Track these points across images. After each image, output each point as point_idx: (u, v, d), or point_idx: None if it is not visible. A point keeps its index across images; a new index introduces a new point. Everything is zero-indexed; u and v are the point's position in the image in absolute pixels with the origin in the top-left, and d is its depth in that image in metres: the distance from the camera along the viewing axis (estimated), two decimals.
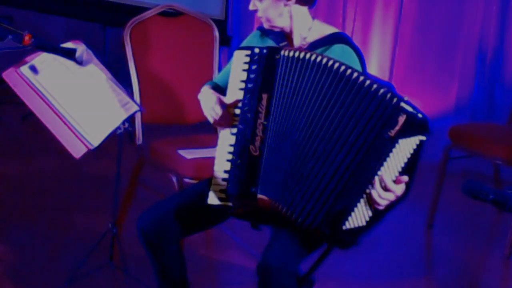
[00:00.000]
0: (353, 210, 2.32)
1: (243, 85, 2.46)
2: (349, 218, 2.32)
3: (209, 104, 2.55)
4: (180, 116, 3.63)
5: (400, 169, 2.30)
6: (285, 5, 2.58)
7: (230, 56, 4.52)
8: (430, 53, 5.43)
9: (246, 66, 2.46)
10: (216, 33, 3.71)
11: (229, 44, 5.57)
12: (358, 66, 2.52)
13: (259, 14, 2.63)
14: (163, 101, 3.60)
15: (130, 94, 3.14)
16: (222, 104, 2.51)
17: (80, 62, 2.81)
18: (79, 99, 2.92)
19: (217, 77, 2.85)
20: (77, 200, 4.26)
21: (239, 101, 2.47)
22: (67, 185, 4.45)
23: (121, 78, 3.10)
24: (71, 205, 4.18)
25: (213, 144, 2.58)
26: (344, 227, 2.33)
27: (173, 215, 2.61)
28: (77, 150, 2.85)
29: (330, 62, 2.35)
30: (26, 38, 2.68)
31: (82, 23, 6.00)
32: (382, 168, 2.28)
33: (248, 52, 2.47)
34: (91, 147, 2.85)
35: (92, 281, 3.27)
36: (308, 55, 2.39)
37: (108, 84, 2.98)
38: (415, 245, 4.14)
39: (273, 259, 2.38)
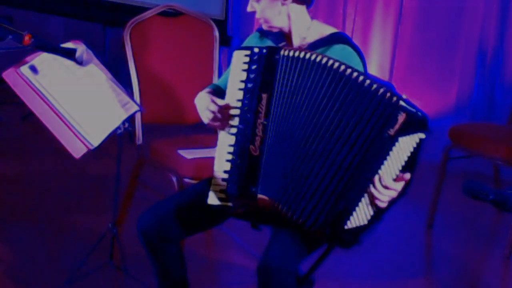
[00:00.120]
0: (354, 210, 2.32)
1: (242, 85, 2.46)
2: (351, 217, 2.33)
3: (202, 106, 2.55)
4: (180, 116, 3.63)
5: (400, 167, 2.31)
6: (282, 4, 2.58)
7: (230, 56, 4.52)
8: (430, 53, 5.43)
9: (246, 66, 2.46)
10: (216, 33, 3.71)
11: (229, 44, 5.57)
12: (359, 66, 2.52)
13: (257, 15, 2.63)
14: (163, 101, 3.60)
15: (130, 94, 3.14)
16: (215, 105, 2.51)
17: (80, 62, 2.81)
18: (79, 99, 2.92)
19: (219, 79, 2.85)
20: (77, 200, 4.26)
21: (236, 100, 2.46)
22: (67, 185, 4.45)
23: (121, 78, 3.10)
24: (71, 205, 4.18)
25: (213, 144, 2.58)
26: (346, 227, 2.33)
27: (173, 215, 2.61)
28: (77, 150, 2.85)
29: (330, 62, 2.35)
30: (26, 38, 2.68)
31: (82, 23, 5.99)
32: (382, 167, 2.29)
33: (248, 52, 2.47)
34: (91, 147, 2.85)
35: (92, 281, 3.27)
36: (307, 55, 2.39)
37: (108, 84, 2.98)
38: (415, 245, 4.14)
39: (273, 259, 2.38)
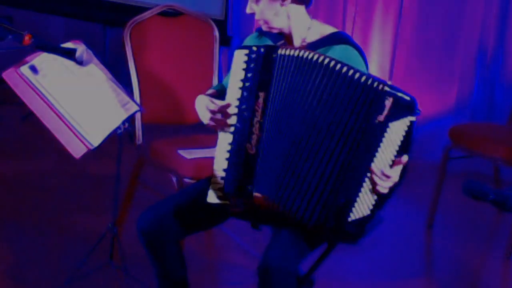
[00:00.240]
0: (355, 201, 2.34)
1: (241, 84, 2.47)
2: (353, 209, 2.34)
3: (201, 107, 2.55)
4: (180, 116, 3.63)
5: (395, 152, 2.32)
6: (281, 5, 2.58)
7: (230, 56, 4.52)
8: (430, 53, 5.43)
9: (245, 65, 2.47)
10: (216, 33, 3.71)
11: (229, 44, 5.57)
12: (361, 66, 2.53)
13: (256, 16, 2.63)
14: (163, 101, 3.60)
15: (130, 94, 3.14)
16: (215, 104, 2.51)
17: (80, 62, 2.81)
18: (79, 99, 2.92)
19: (224, 79, 2.86)
20: (77, 200, 4.26)
21: (232, 101, 2.46)
22: (67, 185, 4.45)
23: (121, 78, 3.10)
24: (71, 205, 4.18)
25: (213, 144, 2.58)
26: (349, 219, 2.34)
27: (173, 215, 2.61)
28: (77, 150, 2.85)
29: (324, 59, 2.37)
30: (26, 38, 2.68)
31: (82, 23, 5.99)
32: (377, 154, 2.31)
33: (247, 51, 2.48)
34: (91, 147, 2.85)
35: (92, 281, 3.27)
36: (302, 53, 2.40)
37: (108, 84, 2.98)
38: (415, 245, 4.14)
39: (273, 259, 2.38)
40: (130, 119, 2.99)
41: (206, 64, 3.68)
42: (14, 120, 5.48)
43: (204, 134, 3.57)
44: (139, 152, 3.51)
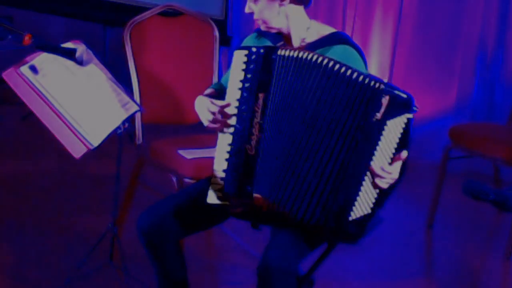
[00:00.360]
0: (356, 200, 2.34)
1: (241, 85, 2.47)
2: (353, 208, 2.34)
3: (202, 108, 2.55)
4: (180, 116, 3.63)
5: (394, 150, 2.33)
6: (280, 5, 2.58)
7: (230, 56, 4.52)
8: (430, 53, 5.43)
9: (244, 66, 2.47)
10: (216, 33, 3.71)
11: (229, 44, 5.57)
12: (360, 65, 2.53)
13: (255, 16, 2.63)
14: (163, 101, 3.60)
15: (130, 94, 3.14)
16: (215, 105, 2.51)
17: (80, 62, 2.81)
18: (79, 99, 2.92)
19: (223, 78, 2.86)
20: (77, 200, 4.26)
21: (232, 101, 2.46)
22: (67, 185, 4.45)
23: (121, 78, 3.10)
24: (71, 205, 4.18)
25: (213, 144, 2.58)
26: (350, 218, 2.34)
27: (173, 215, 2.61)
28: (77, 150, 2.85)
29: (322, 60, 2.37)
30: (26, 38, 2.68)
31: (82, 23, 5.99)
32: (376, 152, 2.31)
33: (246, 52, 2.48)
34: (91, 147, 2.85)
35: (92, 281, 3.27)
36: (301, 54, 2.40)
37: (108, 84, 2.98)
38: (415, 245, 4.14)
39: (273, 259, 2.38)
40: (130, 119, 2.99)
41: (206, 64, 3.68)
42: (14, 120, 5.48)
43: (204, 134, 3.57)
44: (139, 152, 3.51)
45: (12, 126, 5.45)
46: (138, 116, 3.46)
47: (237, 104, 2.46)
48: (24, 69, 2.89)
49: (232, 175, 2.47)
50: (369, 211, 2.36)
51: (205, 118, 2.53)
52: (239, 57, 2.49)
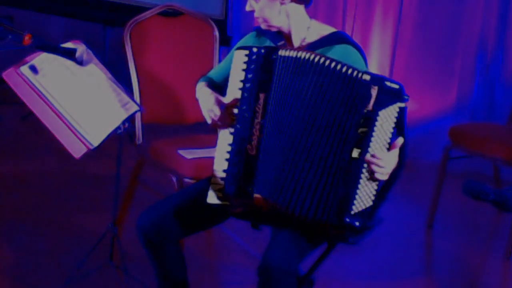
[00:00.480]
0: (356, 193, 2.34)
1: (242, 85, 2.47)
2: (355, 201, 2.34)
3: (207, 105, 2.56)
4: (180, 116, 3.63)
5: (388, 140, 2.34)
6: (281, 3, 2.58)
7: None
8: (430, 53, 5.43)
9: (245, 66, 2.47)
10: (216, 33, 3.71)
11: (229, 44, 5.56)
12: (362, 65, 2.54)
13: (256, 14, 2.63)
14: (163, 101, 3.60)
15: (130, 94, 3.14)
16: (220, 104, 2.51)
17: (80, 62, 2.81)
18: (79, 99, 2.92)
19: (211, 71, 2.85)
20: (77, 200, 4.26)
21: (237, 100, 2.47)
22: (67, 185, 4.45)
23: (121, 78, 3.10)
24: (71, 205, 4.18)
25: (213, 144, 2.58)
26: (352, 212, 2.34)
27: (173, 215, 2.61)
28: (77, 150, 2.85)
29: (322, 60, 2.38)
30: (26, 38, 2.68)
31: (82, 23, 5.99)
32: (371, 144, 2.31)
33: (247, 52, 2.48)
34: (91, 147, 2.85)
35: (92, 281, 3.27)
36: (302, 54, 2.41)
37: (108, 84, 2.98)
38: (415, 245, 4.14)
39: (274, 260, 2.38)
40: (130, 119, 2.99)
41: (206, 64, 3.68)
42: (14, 120, 5.48)
43: (204, 134, 3.57)
44: (139, 152, 3.51)
45: (12, 126, 5.45)
46: (138, 116, 3.46)
47: (237, 104, 2.47)
48: (24, 69, 2.89)
49: (233, 175, 2.47)
50: (371, 203, 2.36)
51: (208, 116, 2.54)
52: (239, 57, 2.49)
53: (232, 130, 2.48)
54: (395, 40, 5.48)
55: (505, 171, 4.51)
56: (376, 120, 2.31)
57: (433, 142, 5.27)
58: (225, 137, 2.50)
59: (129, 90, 3.28)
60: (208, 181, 2.54)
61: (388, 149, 2.34)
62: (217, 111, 2.51)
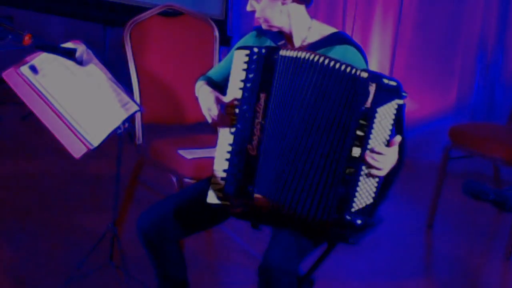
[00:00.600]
0: (356, 190, 2.34)
1: (242, 85, 2.47)
2: (355, 199, 2.34)
3: (207, 103, 2.56)
4: (180, 116, 3.63)
5: (388, 137, 2.34)
6: (283, 4, 2.57)
7: None
8: (430, 53, 5.43)
9: (246, 66, 2.47)
10: (216, 33, 3.71)
11: (229, 44, 5.56)
12: (362, 65, 2.54)
13: (257, 14, 2.63)
14: (163, 101, 3.60)
15: (130, 94, 3.14)
16: (220, 103, 2.52)
17: (80, 62, 2.81)
18: (79, 99, 2.92)
19: (211, 71, 2.85)
20: (77, 200, 4.26)
21: (237, 100, 2.47)
22: (67, 185, 4.45)
23: (121, 78, 3.10)
24: (71, 205, 4.18)
25: (213, 144, 2.58)
26: (353, 209, 2.33)
27: (173, 215, 2.61)
28: (77, 150, 2.85)
29: (323, 60, 2.38)
30: (26, 38, 2.68)
31: (82, 23, 5.99)
32: (370, 141, 2.32)
33: (248, 51, 2.48)
34: (91, 147, 2.85)
35: (92, 281, 3.27)
36: (303, 54, 2.41)
37: (108, 84, 2.98)
38: (415, 245, 4.14)
39: (274, 260, 2.38)
40: (130, 119, 2.99)
41: (206, 64, 3.68)
42: (14, 120, 5.48)
43: (204, 134, 3.57)
44: (139, 152, 3.51)
45: (12, 126, 5.45)
46: (138, 116, 3.46)
47: (238, 103, 2.47)
48: (24, 69, 2.89)
49: (233, 175, 2.47)
50: (371, 200, 2.36)
51: (208, 115, 2.54)
52: (240, 57, 2.49)
53: (232, 130, 2.48)
54: (395, 40, 5.48)
55: (505, 171, 4.51)
56: (374, 117, 2.31)
57: (433, 142, 5.27)
58: (225, 137, 2.50)
59: (129, 90, 3.28)
60: (208, 181, 2.54)
61: (387, 146, 2.34)
62: (216, 110, 2.51)
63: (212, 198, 2.51)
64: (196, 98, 2.69)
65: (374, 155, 2.31)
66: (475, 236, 4.26)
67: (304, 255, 2.47)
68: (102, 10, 5.94)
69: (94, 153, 2.92)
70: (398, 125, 2.34)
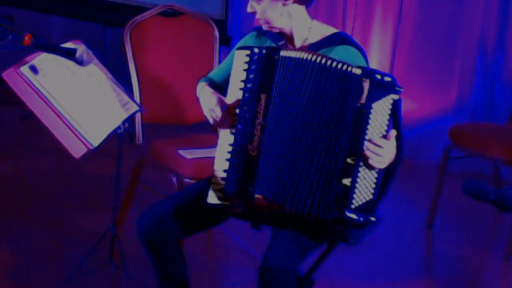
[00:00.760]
0: (355, 186, 2.34)
1: (243, 85, 2.47)
2: (354, 195, 2.34)
3: (209, 105, 2.56)
4: (180, 116, 3.63)
5: (384, 132, 2.35)
6: (284, 4, 2.57)
7: None
8: (430, 53, 5.43)
9: (246, 66, 2.47)
10: (216, 33, 3.71)
11: (229, 44, 5.56)
12: (363, 65, 2.53)
13: (257, 15, 2.62)
14: (163, 101, 3.60)
15: (130, 94, 3.14)
16: (222, 104, 2.52)
17: (80, 62, 2.81)
18: (79, 99, 2.92)
19: (212, 72, 2.85)
20: (77, 200, 4.26)
21: (238, 101, 2.47)
22: (67, 185, 4.45)
23: (121, 78, 3.10)
24: (71, 205, 4.18)
25: (213, 144, 2.58)
26: (352, 206, 2.33)
27: (173, 215, 2.61)
28: (77, 150, 2.85)
29: (323, 60, 2.39)
30: (26, 38, 2.68)
31: (82, 23, 5.99)
32: (366, 137, 2.33)
33: (248, 52, 2.48)
34: (91, 147, 2.85)
35: (92, 281, 3.27)
36: (303, 55, 2.41)
37: (108, 84, 2.98)
38: (415, 245, 4.14)
39: (274, 260, 2.38)
40: (130, 119, 2.99)
41: (206, 64, 3.68)
42: (14, 120, 5.48)
43: (204, 134, 3.57)
44: (139, 152, 3.51)
45: (12, 126, 5.45)
46: (138, 116, 3.46)
47: (239, 104, 2.47)
48: (24, 69, 2.89)
49: (234, 176, 2.47)
50: (371, 196, 2.36)
51: (210, 116, 2.54)
52: (240, 57, 2.49)
53: (233, 130, 2.48)
54: (395, 40, 5.48)
55: (505, 171, 4.51)
56: (370, 113, 2.32)
57: (433, 142, 5.27)
58: (226, 137, 2.50)
59: (129, 90, 3.28)
60: (209, 181, 2.54)
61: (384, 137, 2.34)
62: (219, 112, 2.51)
63: (212, 198, 2.51)
64: (197, 99, 2.69)
65: (372, 147, 2.31)
66: (475, 236, 4.26)
67: (304, 255, 2.47)
68: (102, 10, 5.94)
69: (94, 153, 2.92)
70: (395, 120, 2.35)
